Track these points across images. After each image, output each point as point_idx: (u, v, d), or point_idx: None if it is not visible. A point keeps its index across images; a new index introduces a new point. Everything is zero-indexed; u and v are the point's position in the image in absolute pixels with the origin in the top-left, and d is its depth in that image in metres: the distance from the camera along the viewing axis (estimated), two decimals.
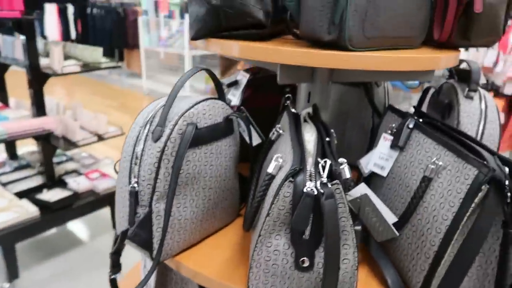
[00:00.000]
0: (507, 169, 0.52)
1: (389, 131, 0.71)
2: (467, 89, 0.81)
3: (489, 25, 0.68)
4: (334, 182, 0.49)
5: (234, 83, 0.91)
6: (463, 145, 0.58)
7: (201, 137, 0.62)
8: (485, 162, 0.52)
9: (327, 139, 0.61)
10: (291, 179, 0.50)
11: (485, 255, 0.54)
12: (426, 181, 0.59)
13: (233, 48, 0.67)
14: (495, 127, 0.80)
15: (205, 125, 0.63)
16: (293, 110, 0.72)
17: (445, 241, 0.54)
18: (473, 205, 0.51)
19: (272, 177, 0.56)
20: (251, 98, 0.92)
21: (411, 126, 0.67)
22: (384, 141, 0.71)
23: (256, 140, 0.73)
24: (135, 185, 0.60)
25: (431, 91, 0.95)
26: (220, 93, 0.71)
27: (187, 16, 4.94)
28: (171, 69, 5.67)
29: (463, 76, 0.87)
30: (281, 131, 0.70)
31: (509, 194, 0.50)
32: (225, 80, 0.93)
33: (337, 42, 0.60)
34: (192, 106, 0.62)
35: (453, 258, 0.53)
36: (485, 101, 0.81)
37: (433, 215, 0.57)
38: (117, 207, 0.65)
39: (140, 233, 0.59)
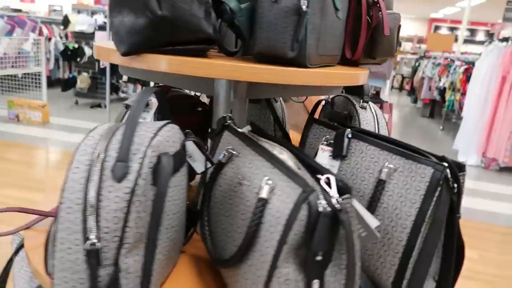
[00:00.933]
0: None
1: (325, 143, 0.75)
2: (361, 100, 0.94)
3: (388, 46, 0.81)
4: (345, 196, 0.49)
5: (146, 105, 0.80)
6: (404, 148, 0.67)
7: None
8: (436, 161, 0.61)
9: (300, 154, 0.60)
10: (308, 201, 0.47)
11: None
12: (381, 184, 0.65)
13: (171, 63, 0.60)
14: (385, 131, 0.94)
15: (170, 154, 0.54)
16: (239, 129, 0.69)
17: (413, 234, 0.61)
18: (434, 199, 0.60)
19: (265, 202, 0.52)
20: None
21: (350, 136, 0.73)
22: (323, 152, 0.75)
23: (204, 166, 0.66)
24: (95, 241, 0.46)
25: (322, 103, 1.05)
26: (168, 117, 0.61)
27: None
28: None
29: (350, 90, 1.00)
30: (234, 152, 0.65)
31: (455, 185, 0.60)
32: (131, 102, 0.81)
33: (296, 59, 0.61)
34: (157, 133, 0.52)
35: (422, 247, 0.61)
36: (374, 109, 0.95)
37: (396, 213, 0.63)
38: (59, 277, 0.48)
39: None
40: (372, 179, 0.67)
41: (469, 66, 5.03)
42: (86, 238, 0.47)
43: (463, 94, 4.91)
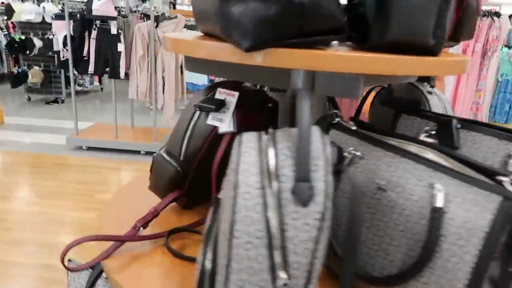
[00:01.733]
0: None
1: (426, 134, 0.71)
2: (428, 86, 0.90)
3: (473, 27, 0.77)
4: None
5: (222, 104, 0.71)
6: None
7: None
8: None
9: (447, 151, 0.55)
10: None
11: None
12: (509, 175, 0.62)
13: (307, 59, 0.52)
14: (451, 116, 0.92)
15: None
16: (353, 127, 0.62)
17: None
18: None
19: (442, 212, 0.47)
20: (242, 121, 0.73)
21: (458, 126, 0.68)
22: None
23: None
24: (287, 280, 0.39)
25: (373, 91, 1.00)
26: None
27: None
28: None
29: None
30: (358, 153, 0.59)
31: None
32: (204, 103, 0.71)
33: (433, 48, 0.55)
34: (325, 143, 0.44)
35: None
36: (439, 94, 0.92)
37: None
38: None
39: None
40: None
41: None
42: (274, 278, 0.39)
43: None
